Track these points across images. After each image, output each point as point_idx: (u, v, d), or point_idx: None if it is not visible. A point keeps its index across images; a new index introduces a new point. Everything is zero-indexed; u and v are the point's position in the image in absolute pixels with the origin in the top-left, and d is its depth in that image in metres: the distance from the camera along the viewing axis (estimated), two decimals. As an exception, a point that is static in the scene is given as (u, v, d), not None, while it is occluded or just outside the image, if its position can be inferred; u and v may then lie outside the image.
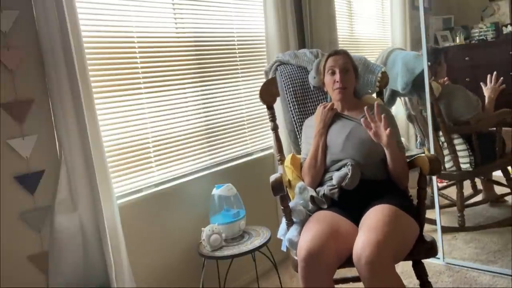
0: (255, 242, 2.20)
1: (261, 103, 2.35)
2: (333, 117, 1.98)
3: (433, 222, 2.66)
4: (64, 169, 1.84)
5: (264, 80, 2.39)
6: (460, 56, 3.40)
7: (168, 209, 2.28)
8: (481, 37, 3.32)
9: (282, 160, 2.19)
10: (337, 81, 1.95)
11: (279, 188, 1.80)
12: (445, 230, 2.86)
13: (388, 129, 1.71)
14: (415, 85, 2.84)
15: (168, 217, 2.28)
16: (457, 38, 3.46)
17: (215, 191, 2.32)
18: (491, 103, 2.91)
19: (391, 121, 1.98)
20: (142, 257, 2.14)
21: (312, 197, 1.84)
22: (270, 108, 2.28)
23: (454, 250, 2.74)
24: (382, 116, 1.72)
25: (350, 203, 1.77)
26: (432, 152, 2.77)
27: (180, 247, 2.32)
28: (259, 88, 2.29)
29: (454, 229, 2.96)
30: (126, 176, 2.15)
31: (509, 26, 3.24)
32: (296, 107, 2.27)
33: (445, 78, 3.03)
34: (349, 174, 1.77)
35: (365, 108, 1.82)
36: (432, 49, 3.32)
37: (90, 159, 1.84)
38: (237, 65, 2.73)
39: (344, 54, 2.03)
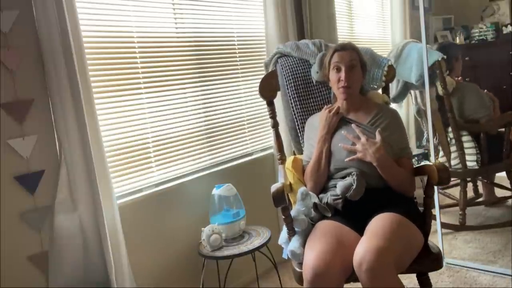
0: (255, 242, 2.20)
1: (261, 104, 2.33)
2: (338, 122, 1.89)
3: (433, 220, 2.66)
4: (64, 169, 1.84)
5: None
6: (460, 56, 3.40)
7: (168, 209, 2.28)
8: (481, 37, 3.32)
9: (282, 159, 2.15)
10: (342, 80, 1.85)
11: (281, 199, 1.74)
12: (446, 226, 2.87)
13: (375, 145, 1.74)
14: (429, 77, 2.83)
15: (168, 217, 2.28)
16: (457, 38, 3.46)
17: (215, 191, 2.32)
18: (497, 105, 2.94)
19: (397, 123, 1.91)
20: (142, 257, 2.14)
21: (315, 204, 1.78)
22: (270, 104, 2.20)
23: (454, 250, 2.74)
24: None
25: (354, 212, 1.71)
26: (432, 149, 2.77)
27: (180, 247, 2.32)
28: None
29: (454, 227, 2.97)
30: (126, 176, 2.15)
31: (509, 26, 3.24)
32: (298, 103, 2.16)
33: (459, 78, 3.03)
34: (354, 185, 1.70)
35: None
36: (451, 45, 3.32)
37: (90, 159, 1.84)
38: (237, 65, 2.73)
39: (351, 49, 1.91)
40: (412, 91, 3.31)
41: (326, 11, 3.08)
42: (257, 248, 2.16)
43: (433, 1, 3.65)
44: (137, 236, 2.12)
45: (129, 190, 2.17)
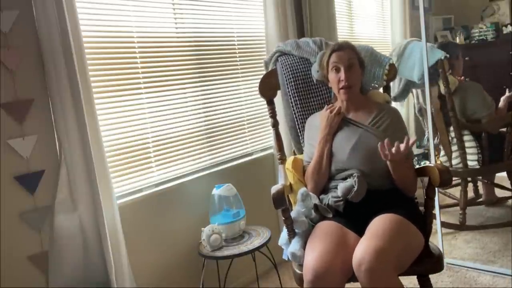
0: (255, 242, 2.20)
1: (261, 104, 2.33)
2: (340, 122, 1.87)
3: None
4: (64, 169, 1.84)
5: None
6: (461, 55, 3.40)
7: (168, 209, 2.28)
8: (481, 37, 3.32)
9: (282, 159, 2.14)
10: (342, 80, 1.83)
11: (281, 201, 1.73)
12: (446, 226, 2.87)
13: (399, 148, 1.62)
14: (431, 76, 2.83)
15: (168, 217, 2.28)
16: (457, 38, 3.46)
17: (215, 191, 2.32)
18: (505, 106, 2.93)
19: (398, 123, 1.90)
20: (142, 257, 2.14)
21: (315, 205, 1.76)
22: (270, 103, 2.19)
23: (454, 250, 2.74)
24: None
25: (355, 214, 1.70)
26: (432, 149, 2.76)
27: (180, 247, 2.32)
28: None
29: (454, 226, 2.97)
30: (126, 176, 2.15)
31: (509, 26, 3.24)
32: (298, 102, 2.13)
33: (462, 77, 3.03)
34: (355, 187, 1.69)
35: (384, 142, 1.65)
36: (450, 43, 3.33)
37: (90, 159, 1.84)
38: (237, 65, 2.73)
39: (349, 48, 1.89)
40: (414, 90, 3.31)
41: (326, 11, 3.08)
42: (257, 248, 2.16)
43: (433, 1, 3.65)
44: (137, 236, 2.12)
45: (129, 190, 2.17)
